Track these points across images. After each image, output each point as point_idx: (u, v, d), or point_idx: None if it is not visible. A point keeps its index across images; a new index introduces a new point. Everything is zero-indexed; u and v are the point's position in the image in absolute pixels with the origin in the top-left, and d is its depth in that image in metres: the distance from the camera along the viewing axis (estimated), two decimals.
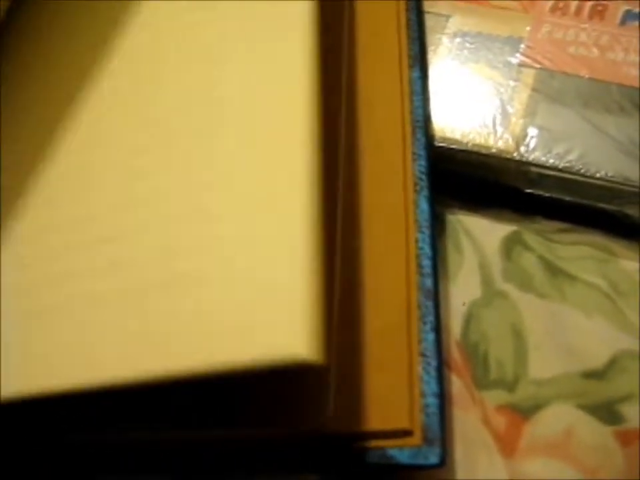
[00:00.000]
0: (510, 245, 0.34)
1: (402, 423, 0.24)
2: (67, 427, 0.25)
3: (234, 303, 0.19)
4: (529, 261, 0.34)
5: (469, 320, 0.32)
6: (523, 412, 0.30)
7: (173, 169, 0.23)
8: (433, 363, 0.26)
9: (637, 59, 0.35)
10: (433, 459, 0.24)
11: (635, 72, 0.34)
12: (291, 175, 0.21)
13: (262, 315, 0.19)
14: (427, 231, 0.28)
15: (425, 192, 0.29)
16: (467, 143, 0.34)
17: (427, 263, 0.28)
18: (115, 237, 0.23)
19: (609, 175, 0.32)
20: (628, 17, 0.36)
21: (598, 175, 0.32)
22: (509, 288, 0.33)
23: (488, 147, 0.34)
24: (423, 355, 0.26)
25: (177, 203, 0.23)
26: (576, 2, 0.37)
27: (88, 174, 0.25)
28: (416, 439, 0.24)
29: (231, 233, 0.21)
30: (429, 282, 0.27)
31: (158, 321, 0.20)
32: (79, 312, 0.22)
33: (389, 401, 0.25)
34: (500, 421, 0.30)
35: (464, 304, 0.33)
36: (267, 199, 0.21)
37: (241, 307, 0.19)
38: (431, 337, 0.26)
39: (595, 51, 0.35)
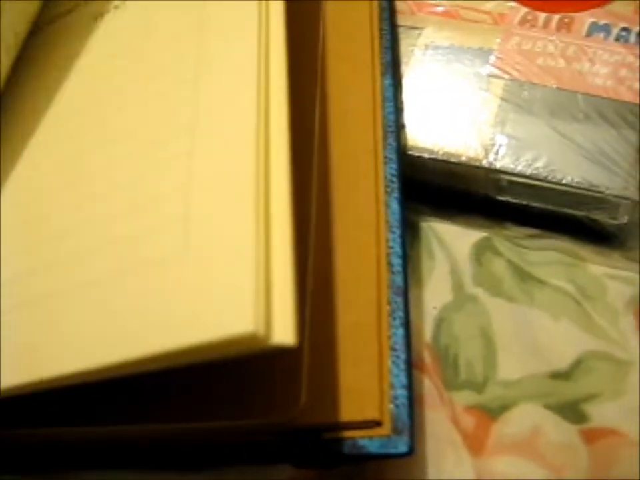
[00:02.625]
0: (480, 251, 0.35)
1: (372, 414, 0.25)
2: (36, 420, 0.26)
3: (180, 291, 0.20)
4: (498, 266, 0.34)
5: (439, 323, 0.33)
6: (491, 412, 0.30)
7: (120, 167, 0.24)
8: (402, 356, 0.26)
9: (602, 69, 0.35)
10: (402, 447, 0.24)
11: (599, 82, 0.35)
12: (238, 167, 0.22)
13: (207, 300, 0.19)
14: (397, 231, 0.29)
15: (396, 193, 0.30)
16: (437, 152, 0.35)
17: (397, 261, 0.28)
18: (66, 233, 0.24)
19: (575, 181, 0.32)
20: (593, 28, 0.37)
21: (565, 182, 0.32)
22: (479, 292, 0.34)
23: (458, 155, 0.34)
24: (392, 349, 0.26)
25: (123, 195, 0.24)
26: (544, 14, 0.38)
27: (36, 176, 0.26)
28: (385, 429, 0.25)
29: (176, 219, 0.22)
30: (399, 279, 0.28)
31: (113, 310, 0.21)
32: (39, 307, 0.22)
33: (359, 393, 0.25)
34: (469, 421, 0.30)
35: (435, 308, 0.33)
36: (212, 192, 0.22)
37: (187, 294, 0.20)
38: (400, 331, 0.27)
39: (562, 61, 0.36)
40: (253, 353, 0.19)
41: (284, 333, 0.19)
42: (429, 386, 0.31)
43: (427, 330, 0.33)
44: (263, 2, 0.27)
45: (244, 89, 0.24)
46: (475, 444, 0.30)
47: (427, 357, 0.32)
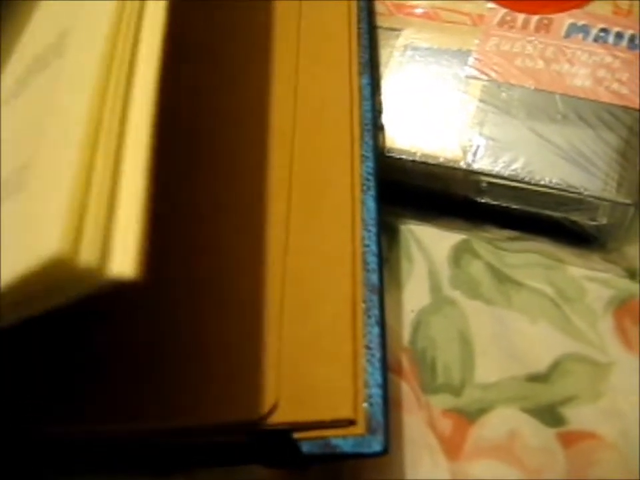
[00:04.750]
0: (459, 253, 0.35)
1: (346, 413, 0.24)
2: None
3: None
4: (477, 269, 0.34)
5: (417, 326, 0.33)
6: (469, 415, 0.30)
7: None
8: (377, 354, 0.26)
9: (581, 70, 0.35)
10: (376, 447, 0.24)
11: (578, 83, 0.35)
12: None
13: (28, 230, 0.17)
14: (373, 229, 0.29)
15: (372, 192, 0.30)
16: (415, 153, 0.34)
17: (372, 259, 0.28)
18: None
19: (554, 182, 0.32)
20: (572, 29, 0.37)
21: (543, 183, 0.32)
22: (457, 295, 0.33)
23: (436, 157, 0.34)
24: (367, 347, 0.26)
25: None
26: (523, 15, 0.38)
27: None
28: (359, 428, 0.24)
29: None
30: (374, 277, 0.27)
31: None
32: None
33: (333, 392, 0.25)
34: (446, 424, 0.30)
35: (413, 311, 0.33)
36: None
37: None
38: (375, 330, 0.26)
39: (541, 62, 0.36)
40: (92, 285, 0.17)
41: (121, 262, 0.17)
42: (406, 389, 0.31)
43: (404, 333, 0.32)
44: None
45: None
46: (452, 447, 0.29)
47: (405, 361, 0.32)
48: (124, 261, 0.17)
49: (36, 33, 0.25)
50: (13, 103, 0.23)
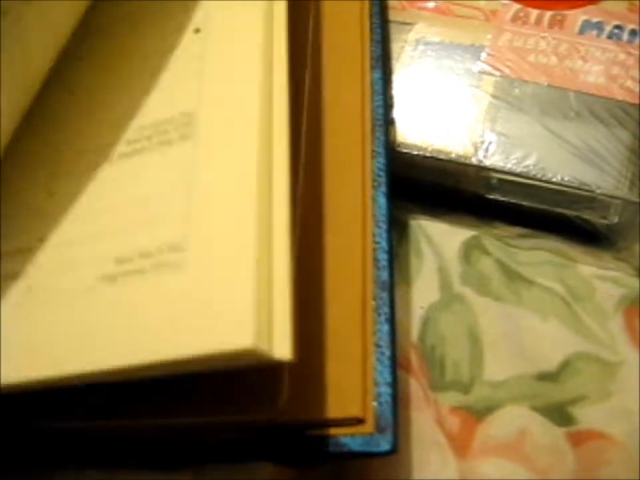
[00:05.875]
0: (469, 250, 0.34)
1: (355, 411, 0.24)
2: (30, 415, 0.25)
3: (183, 301, 0.20)
4: (487, 265, 0.34)
5: (426, 323, 0.32)
6: (477, 413, 0.30)
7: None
8: (387, 353, 0.26)
9: (594, 67, 0.35)
10: (385, 446, 0.24)
11: (591, 79, 0.35)
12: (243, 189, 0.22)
13: (210, 313, 0.20)
14: (383, 226, 0.28)
15: (383, 188, 0.29)
16: (426, 148, 0.34)
17: (383, 256, 0.28)
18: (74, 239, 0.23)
19: (566, 179, 0.32)
20: (586, 26, 0.37)
21: (555, 180, 0.32)
22: (467, 291, 0.33)
23: (447, 152, 0.34)
24: (377, 345, 0.26)
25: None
26: (536, 11, 0.38)
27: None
28: (368, 427, 0.24)
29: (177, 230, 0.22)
30: (384, 275, 0.27)
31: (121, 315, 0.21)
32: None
33: (342, 390, 0.25)
34: (454, 422, 0.30)
35: (422, 307, 0.33)
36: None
37: (190, 304, 0.20)
38: (385, 328, 0.26)
39: (554, 58, 0.36)
40: (249, 366, 0.19)
41: (282, 347, 0.19)
42: (415, 386, 0.31)
43: (413, 329, 0.32)
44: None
45: (246, 104, 0.24)
46: (460, 445, 0.29)
47: (413, 357, 0.31)
48: (284, 345, 0.20)
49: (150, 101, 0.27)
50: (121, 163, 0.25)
